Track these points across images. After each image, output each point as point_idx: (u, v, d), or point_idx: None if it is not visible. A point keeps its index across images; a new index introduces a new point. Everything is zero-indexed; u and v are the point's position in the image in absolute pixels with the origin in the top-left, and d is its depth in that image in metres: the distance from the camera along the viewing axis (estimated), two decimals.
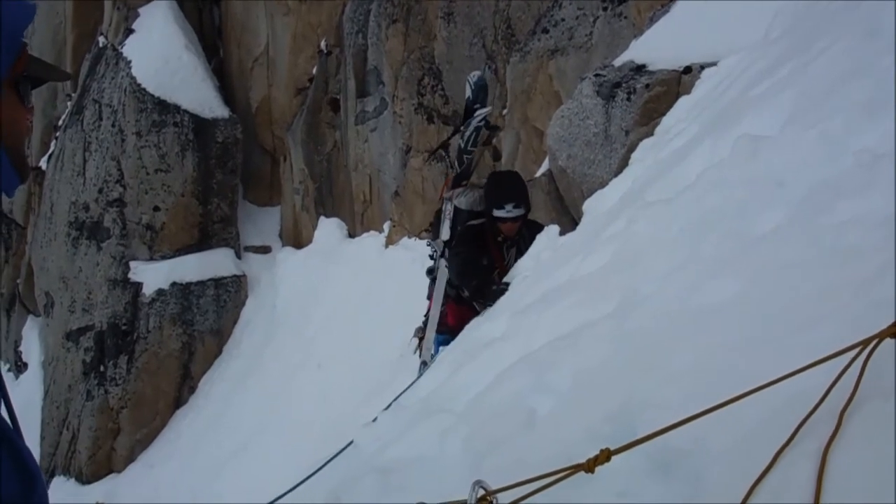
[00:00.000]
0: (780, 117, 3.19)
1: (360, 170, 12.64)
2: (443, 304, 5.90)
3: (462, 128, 6.12)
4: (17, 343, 16.04)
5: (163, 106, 13.65)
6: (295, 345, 11.92)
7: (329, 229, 13.30)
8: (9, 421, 1.19)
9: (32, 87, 1.26)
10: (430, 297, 6.31)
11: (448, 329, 5.77)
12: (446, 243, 5.90)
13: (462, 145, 6.06)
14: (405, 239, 11.43)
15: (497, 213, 5.43)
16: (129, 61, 13.93)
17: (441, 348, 5.71)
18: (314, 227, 13.57)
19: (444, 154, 6.87)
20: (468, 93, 6.14)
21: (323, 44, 13.49)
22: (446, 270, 5.83)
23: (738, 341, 2.23)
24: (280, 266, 13.82)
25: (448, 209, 5.95)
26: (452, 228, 5.87)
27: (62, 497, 12.22)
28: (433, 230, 6.27)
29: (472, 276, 5.37)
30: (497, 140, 9.14)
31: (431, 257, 6.25)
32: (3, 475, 1.12)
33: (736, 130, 3.34)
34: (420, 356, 6.10)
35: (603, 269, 3.33)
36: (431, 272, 6.19)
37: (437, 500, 1.96)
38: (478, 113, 6.00)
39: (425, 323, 6.15)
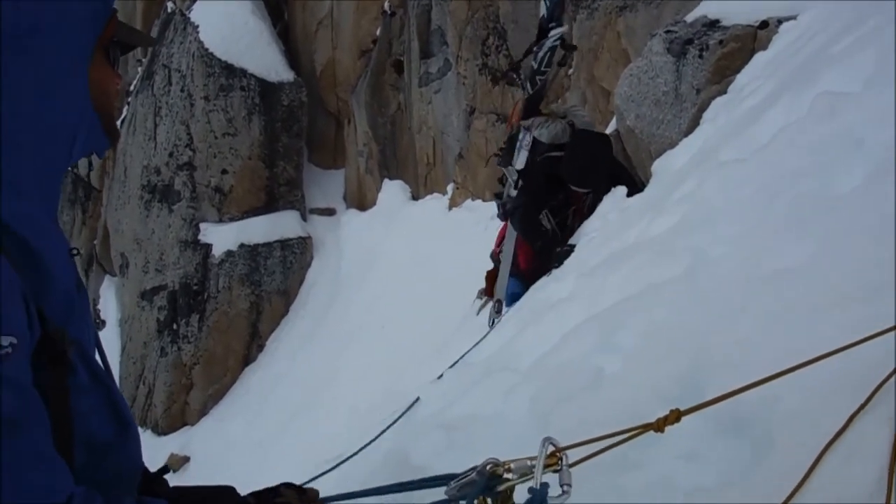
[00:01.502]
0: (862, 75, 3.06)
1: (424, 132, 12.64)
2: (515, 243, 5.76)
3: (535, 48, 5.82)
4: (95, 301, 16.71)
5: (230, 70, 13.86)
6: (359, 305, 12.11)
7: (393, 192, 13.39)
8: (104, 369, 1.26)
9: (122, 53, 1.31)
10: (500, 234, 6.20)
11: (519, 272, 5.66)
12: (520, 173, 5.70)
13: (535, 66, 5.76)
14: (468, 201, 11.42)
15: (569, 184, 5.44)
16: (197, 26, 14.16)
17: (505, 309, 5.71)
18: (378, 189, 13.68)
19: (514, 77, 6.50)
20: (542, 10, 5.80)
21: (387, 5, 13.44)
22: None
23: (811, 304, 2.18)
24: (344, 228, 14.01)
25: (526, 140, 5.68)
26: (529, 160, 5.64)
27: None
28: (504, 156, 6.01)
29: (536, 236, 5.37)
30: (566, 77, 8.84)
31: (501, 181, 6.07)
32: (96, 420, 1.18)
33: (814, 88, 3.22)
34: (494, 298, 5.95)
35: (672, 231, 3.27)
36: (500, 196, 6.06)
37: (502, 457, 1.99)
38: (553, 33, 5.68)
39: (495, 260, 6.06)
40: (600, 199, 5.15)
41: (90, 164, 17.27)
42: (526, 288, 5.39)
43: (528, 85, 5.89)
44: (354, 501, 1.57)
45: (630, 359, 2.50)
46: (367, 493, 1.61)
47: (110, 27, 1.24)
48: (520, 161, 5.72)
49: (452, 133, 11.90)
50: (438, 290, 10.18)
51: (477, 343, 4.40)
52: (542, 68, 5.77)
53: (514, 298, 5.56)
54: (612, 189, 5.07)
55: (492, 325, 5.60)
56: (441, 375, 3.99)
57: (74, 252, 1.23)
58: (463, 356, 4.27)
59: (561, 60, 5.96)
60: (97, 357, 1.26)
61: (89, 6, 1.19)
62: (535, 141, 5.64)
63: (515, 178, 5.75)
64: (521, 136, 5.79)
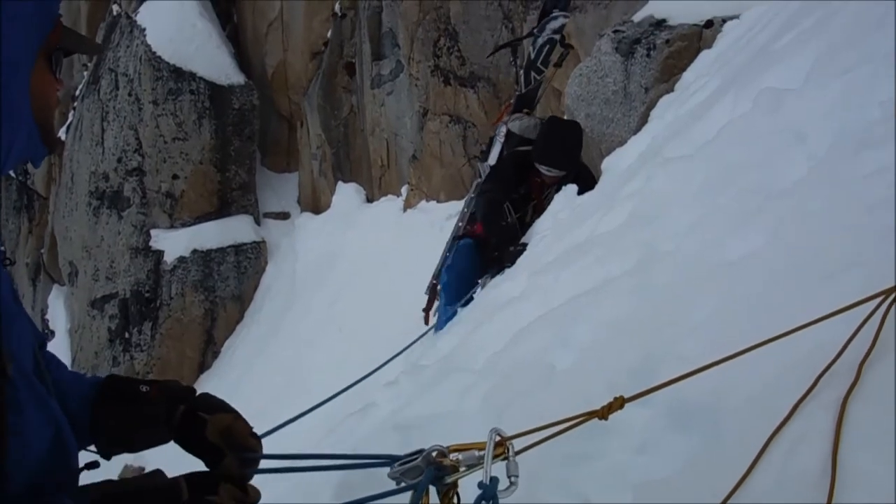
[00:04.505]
0: (804, 69, 3.12)
1: (377, 134, 12.58)
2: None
3: (535, 31, 5.78)
4: (43, 311, 16.28)
5: (178, 74, 13.62)
6: (315, 309, 12.00)
7: (347, 194, 13.29)
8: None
9: (64, 56, 1.26)
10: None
11: (475, 235, 5.69)
12: (493, 168, 5.76)
13: (532, 56, 5.74)
14: (423, 203, 11.40)
15: (538, 165, 5.44)
16: (144, 29, 13.88)
17: (456, 309, 5.67)
18: (332, 192, 13.57)
19: (511, 58, 6.37)
20: None
21: (337, 6, 13.34)
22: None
23: (760, 294, 2.21)
24: (299, 232, 13.86)
25: (501, 132, 5.76)
26: (500, 153, 5.70)
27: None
28: (484, 154, 6.06)
29: (496, 228, 5.39)
30: None
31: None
32: (33, 435, 1.15)
33: (758, 84, 3.28)
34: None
35: (622, 227, 3.30)
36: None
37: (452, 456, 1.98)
38: (556, 13, 5.66)
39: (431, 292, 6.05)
40: None
41: (26, 171, 16.80)
42: (480, 261, 5.43)
43: (523, 78, 5.87)
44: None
45: (582, 354, 2.51)
46: (308, 469, 1.57)
47: (55, 34, 1.19)
48: (493, 156, 5.79)
49: (406, 135, 11.87)
50: (395, 291, 10.12)
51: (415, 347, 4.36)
52: (539, 65, 5.75)
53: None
54: (563, 187, 5.11)
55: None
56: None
57: (8, 262, 1.19)
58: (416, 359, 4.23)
59: (557, 61, 6.00)
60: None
61: (33, 14, 1.15)
62: (508, 133, 5.72)
63: (488, 172, 5.81)
64: (497, 131, 5.85)
